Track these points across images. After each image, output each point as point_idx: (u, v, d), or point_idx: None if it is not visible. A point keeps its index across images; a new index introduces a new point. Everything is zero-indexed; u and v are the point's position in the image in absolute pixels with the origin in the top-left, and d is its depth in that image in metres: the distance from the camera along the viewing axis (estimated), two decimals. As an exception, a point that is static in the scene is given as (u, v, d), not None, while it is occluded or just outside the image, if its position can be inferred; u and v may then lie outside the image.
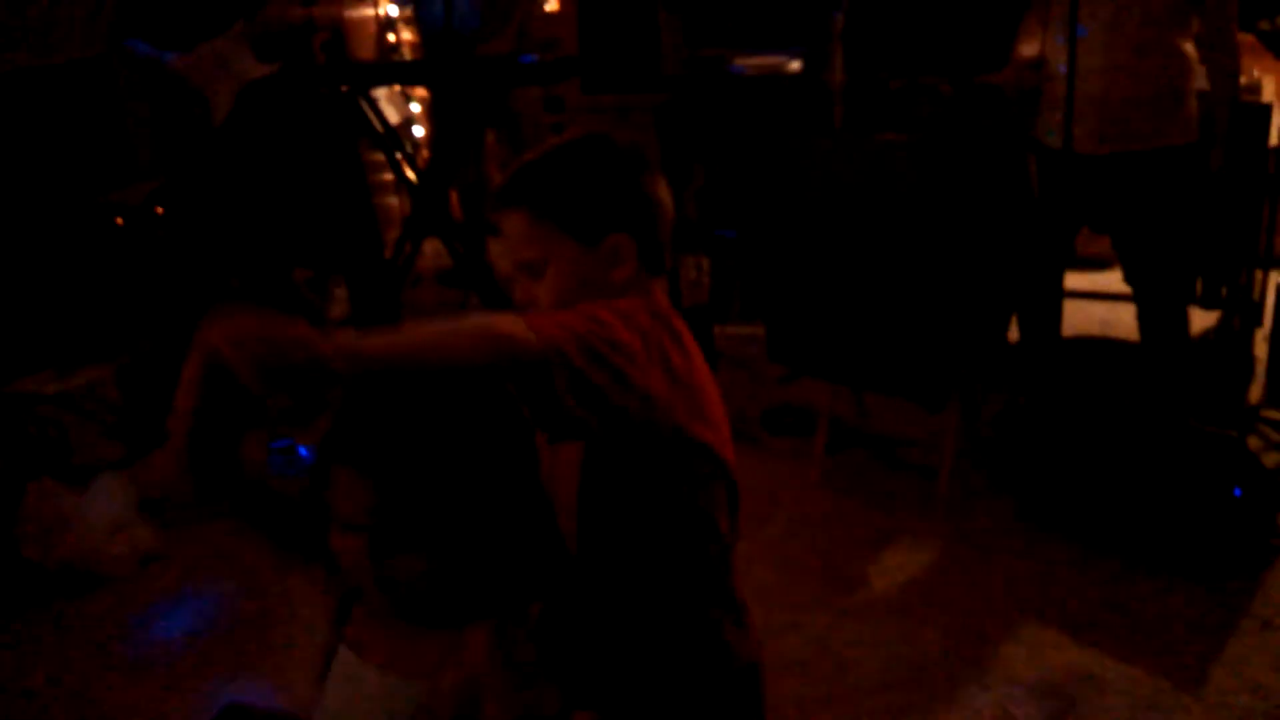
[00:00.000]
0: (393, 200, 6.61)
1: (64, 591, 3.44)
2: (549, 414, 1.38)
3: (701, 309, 5.14)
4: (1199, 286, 4.70)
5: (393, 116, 5.87)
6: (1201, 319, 4.23)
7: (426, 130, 6.62)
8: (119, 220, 4.76)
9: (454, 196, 6.07)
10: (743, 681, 1.67)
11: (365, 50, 6.84)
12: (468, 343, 1.32)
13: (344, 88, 4.73)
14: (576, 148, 1.66)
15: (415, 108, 6.61)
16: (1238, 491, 3.25)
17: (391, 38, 6.90)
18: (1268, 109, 4.24)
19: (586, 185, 1.60)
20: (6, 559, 3.51)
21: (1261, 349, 4.25)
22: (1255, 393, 4.14)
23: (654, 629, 1.59)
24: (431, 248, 6.37)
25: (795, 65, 5.47)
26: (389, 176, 6.20)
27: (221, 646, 3.17)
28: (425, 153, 6.47)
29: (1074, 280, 4.09)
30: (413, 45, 6.83)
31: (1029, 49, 3.81)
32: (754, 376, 4.66)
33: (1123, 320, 4.27)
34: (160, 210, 4.91)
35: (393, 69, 6.16)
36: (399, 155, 5.75)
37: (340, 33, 6.49)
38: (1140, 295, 3.72)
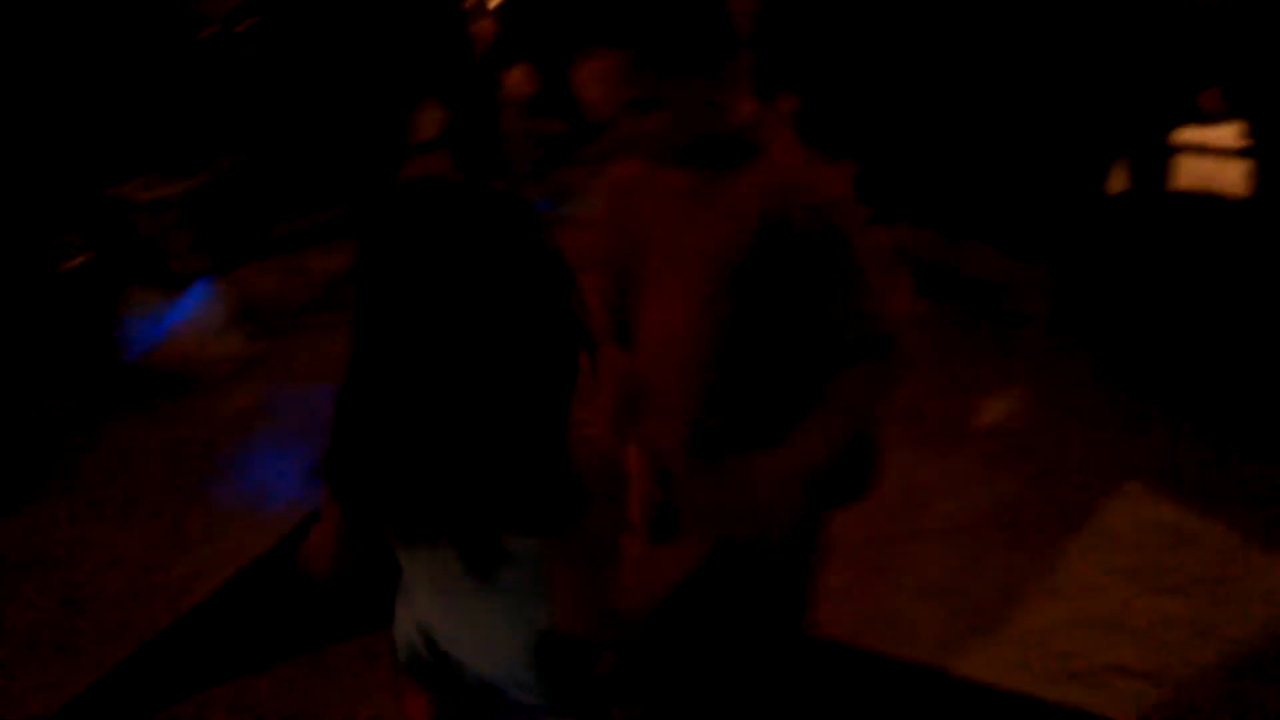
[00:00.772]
0: (480, 25, 6.49)
1: (162, 392, 3.54)
2: None
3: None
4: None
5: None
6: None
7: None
8: (210, 30, 4.74)
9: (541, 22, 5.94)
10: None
11: None
12: None
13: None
14: None
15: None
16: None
17: None
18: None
19: (687, 7, 1.40)
20: (109, 360, 3.61)
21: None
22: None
23: None
24: (518, 75, 6.29)
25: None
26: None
27: (313, 451, 3.25)
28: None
29: (1181, 133, 3.95)
30: None
31: None
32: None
33: (1229, 177, 4.12)
34: (250, 22, 4.88)
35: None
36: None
37: None
38: (1259, 151, 3.58)
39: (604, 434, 1.29)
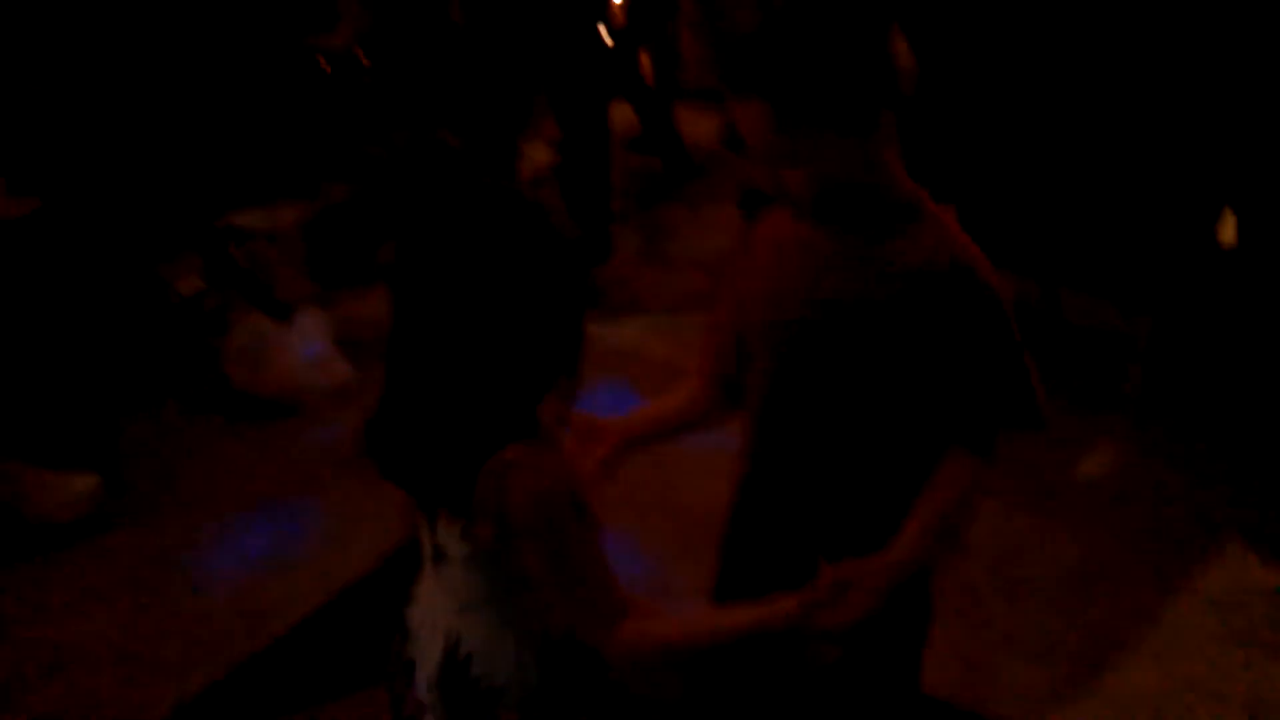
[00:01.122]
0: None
1: (268, 416, 3.64)
2: None
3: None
4: None
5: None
6: None
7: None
8: (324, 65, 4.87)
9: (644, 58, 6.00)
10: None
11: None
12: None
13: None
14: (810, 8, 1.35)
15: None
16: None
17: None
18: None
19: (839, 65, 1.33)
20: (218, 383, 3.72)
21: None
22: None
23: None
24: (620, 113, 6.36)
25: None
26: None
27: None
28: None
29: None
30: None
31: None
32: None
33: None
34: (362, 55, 5.00)
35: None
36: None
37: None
38: None
39: (544, 475, 1.28)
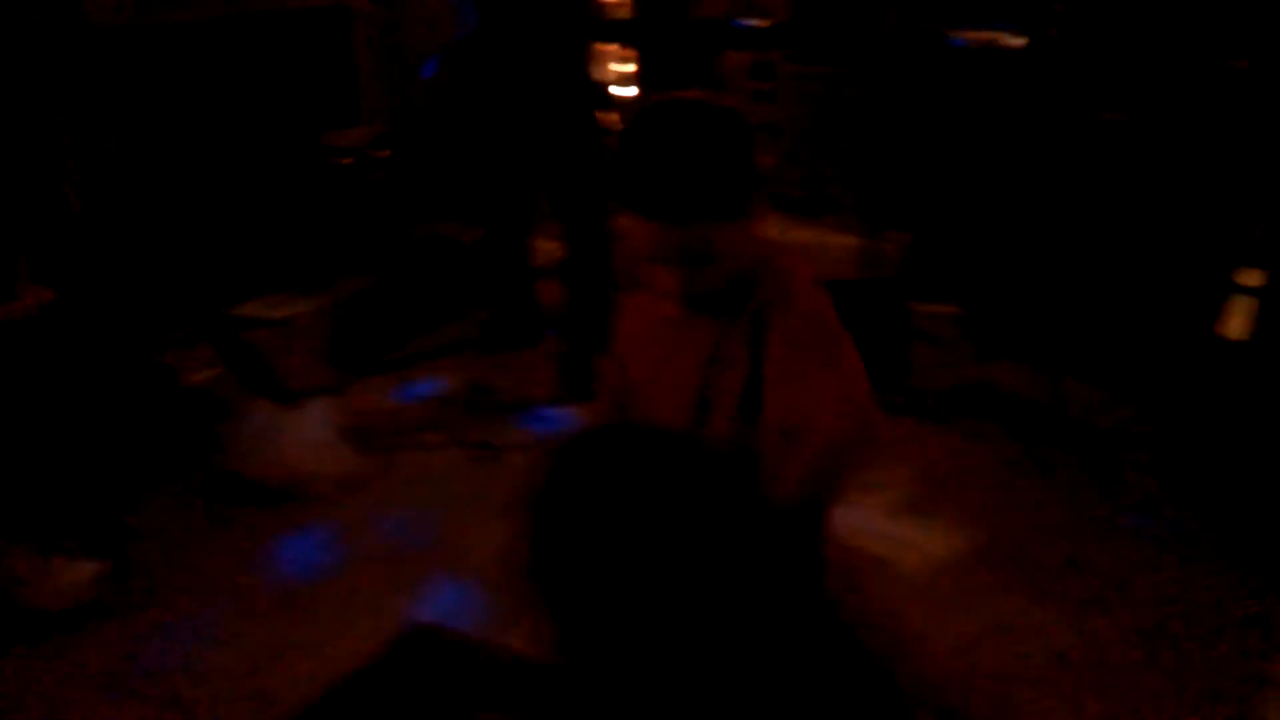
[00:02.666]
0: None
1: (272, 505, 3.65)
2: None
3: (897, 283, 5.06)
4: None
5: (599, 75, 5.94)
6: None
7: (638, 92, 6.68)
8: (345, 160, 4.98)
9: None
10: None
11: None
12: None
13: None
14: (713, 132, 1.52)
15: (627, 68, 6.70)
16: None
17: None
18: None
19: (742, 167, 1.53)
20: (224, 472, 3.73)
21: None
22: None
23: None
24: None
25: (1016, 41, 5.32)
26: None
27: (412, 568, 3.32)
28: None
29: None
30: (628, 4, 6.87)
31: None
32: (947, 355, 4.58)
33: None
34: (381, 154, 5.11)
35: (605, 26, 6.22)
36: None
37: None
38: None
39: None
